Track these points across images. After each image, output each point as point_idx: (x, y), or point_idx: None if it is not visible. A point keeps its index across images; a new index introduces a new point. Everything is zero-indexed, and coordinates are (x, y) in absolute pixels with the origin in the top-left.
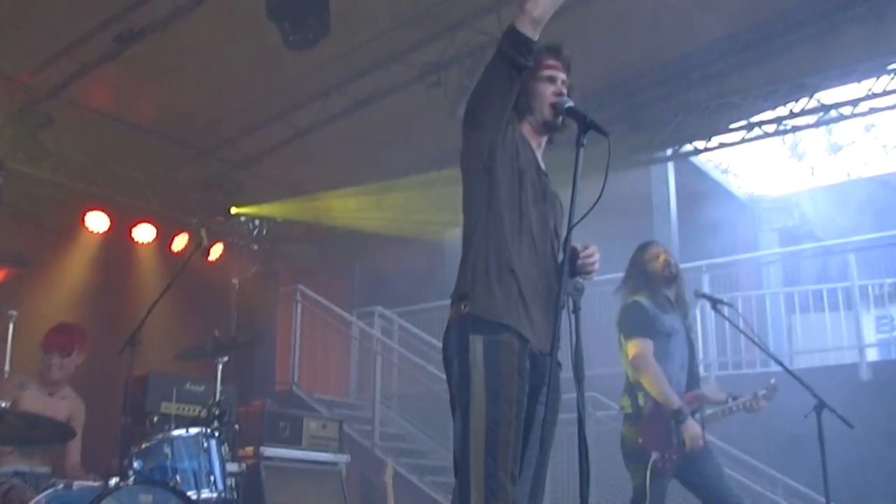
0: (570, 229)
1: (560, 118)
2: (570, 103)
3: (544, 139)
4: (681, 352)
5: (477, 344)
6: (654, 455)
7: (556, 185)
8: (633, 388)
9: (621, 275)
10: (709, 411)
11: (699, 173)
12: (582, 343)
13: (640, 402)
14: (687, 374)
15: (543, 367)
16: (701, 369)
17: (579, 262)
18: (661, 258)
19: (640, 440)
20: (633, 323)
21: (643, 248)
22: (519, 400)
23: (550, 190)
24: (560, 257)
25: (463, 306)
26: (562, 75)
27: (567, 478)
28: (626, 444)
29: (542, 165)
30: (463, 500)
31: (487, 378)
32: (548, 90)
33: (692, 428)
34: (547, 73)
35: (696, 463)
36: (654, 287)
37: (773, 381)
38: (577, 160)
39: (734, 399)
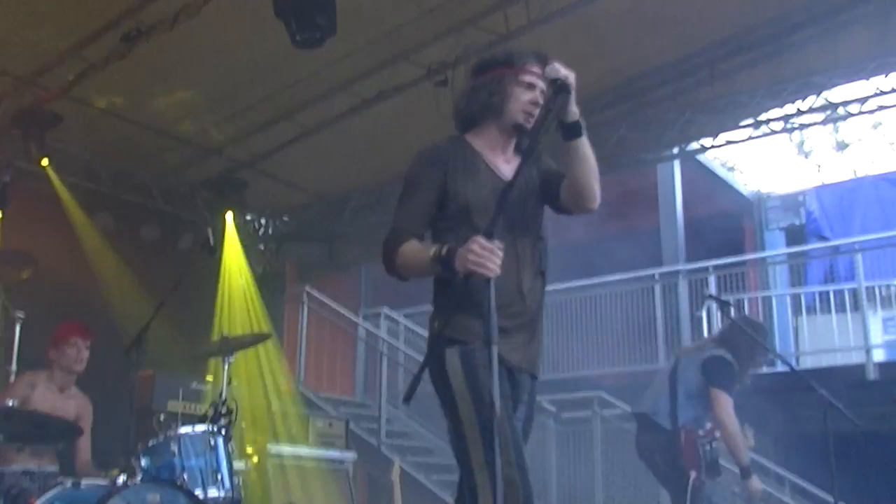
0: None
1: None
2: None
3: (512, 141)
4: None
5: (453, 355)
6: (693, 473)
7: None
8: (676, 408)
9: (630, 275)
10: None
11: (705, 171)
12: None
13: (679, 422)
14: None
15: (521, 383)
16: None
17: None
18: (760, 366)
19: (680, 459)
20: (726, 377)
21: (763, 347)
22: (502, 394)
23: (526, 185)
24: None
25: (435, 323)
26: (542, 84)
27: (572, 476)
28: (662, 459)
29: (506, 171)
30: (470, 498)
31: (467, 377)
32: (525, 96)
33: (755, 484)
34: (528, 78)
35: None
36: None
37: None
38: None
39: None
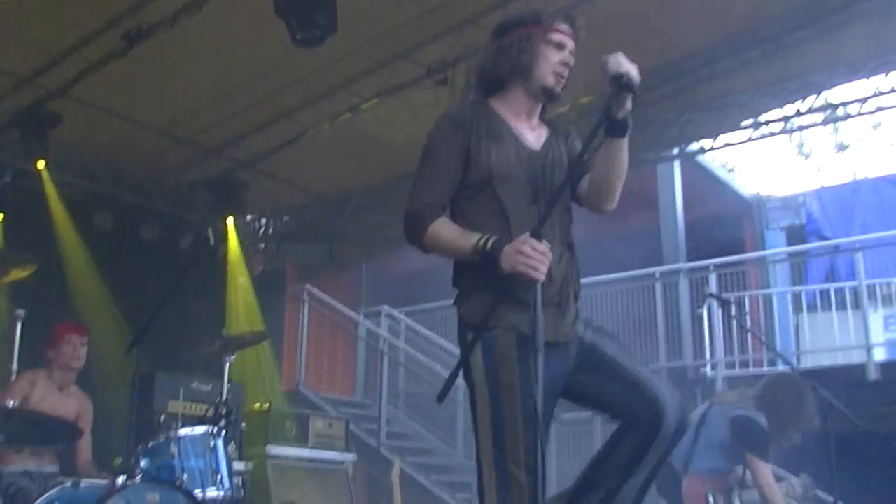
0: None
1: (561, 87)
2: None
3: (539, 106)
4: None
5: (476, 344)
6: None
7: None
8: (692, 452)
9: (629, 273)
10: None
11: (705, 172)
12: None
13: (690, 468)
14: None
15: (569, 357)
16: (708, 369)
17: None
18: (812, 421)
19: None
20: (758, 442)
21: (811, 400)
22: (524, 389)
23: (553, 156)
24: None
25: (460, 309)
26: (571, 44)
27: (572, 476)
28: (670, 496)
29: (530, 138)
30: (479, 496)
31: (486, 370)
32: (555, 57)
33: None
34: (558, 37)
35: None
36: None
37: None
38: (597, 127)
39: None
